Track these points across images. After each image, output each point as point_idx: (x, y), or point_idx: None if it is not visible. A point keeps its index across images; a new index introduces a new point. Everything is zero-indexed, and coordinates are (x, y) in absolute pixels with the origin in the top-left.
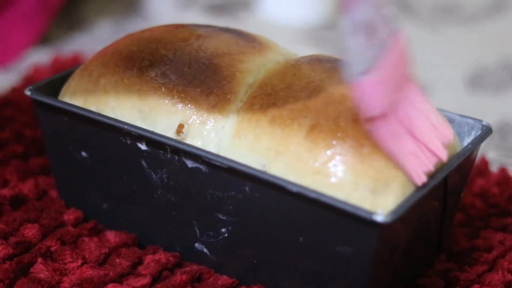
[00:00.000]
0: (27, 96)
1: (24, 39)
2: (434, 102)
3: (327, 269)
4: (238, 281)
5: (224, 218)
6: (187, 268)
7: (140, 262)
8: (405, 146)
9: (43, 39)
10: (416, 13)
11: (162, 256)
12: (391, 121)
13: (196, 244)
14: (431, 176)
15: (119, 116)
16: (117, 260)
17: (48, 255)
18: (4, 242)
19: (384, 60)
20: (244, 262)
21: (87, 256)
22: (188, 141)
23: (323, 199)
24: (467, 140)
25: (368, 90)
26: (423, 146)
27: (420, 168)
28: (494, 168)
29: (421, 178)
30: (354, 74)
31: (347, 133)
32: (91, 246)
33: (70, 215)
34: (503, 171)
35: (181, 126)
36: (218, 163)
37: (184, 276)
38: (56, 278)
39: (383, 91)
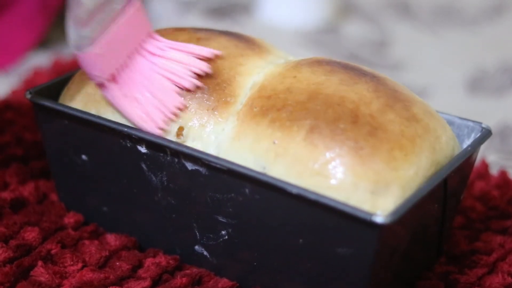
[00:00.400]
0: (27, 99)
1: (24, 42)
2: (434, 105)
3: (327, 271)
4: (238, 284)
5: (224, 221)
6: (187, 271)
7: (140, 265)
8: (135, 107)
9: (43, 42)
10: (416, 16)
11: (162, 259)
12: (118, 85)
13: (196, 247)
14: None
15: (119, 119)
16: (118, 263)
17: (48, 258)
18: (4, 245)
19: (107, 32)
20: (244, 265)
21: (87, 259)
22: (188, 143)
23: (323, 200)
24: (467, 143)
25: (89, 62)
26: (156, 103)
27: (151, 126)
28: (494, 171)
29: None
30: (75, 47)
31: (346, 134)
32: (91, 249)
33: (70, 218)
34: (503, 174)
35: (181, 129)
36: (218, 166)
37: (184, 279)
38: (57, 281)
39: (104, 61)
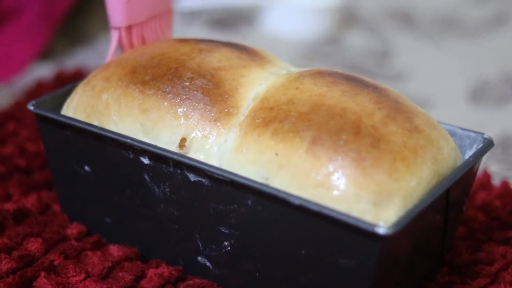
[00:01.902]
0: (30, 110)
1: (26, 53)
2: (435, 115)
3: (330, 282)
4: None
5: (227, 232)
6: (190, 282)
7: (143, 276)
8: None
9: (46, 54)
10: (417, 27)
11: (165, 270)
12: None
13: (199, 258)
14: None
15: (121, 130)
16: (120, 274)
17: (51, 269)
18: (7, 256)
19: None
20: (246, 276)
21: (90, 270)
22: (191, 155)
23: (325, 211)
24: (469, 153)
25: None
26: None
27: None
28: (496, 181)
29: None
30: None
31: (348, 146)
32: (94, 260)
33: (73, 229)
34: (505, 184)
35: (183, 140)
36: (220, 177)
37: None
38: None
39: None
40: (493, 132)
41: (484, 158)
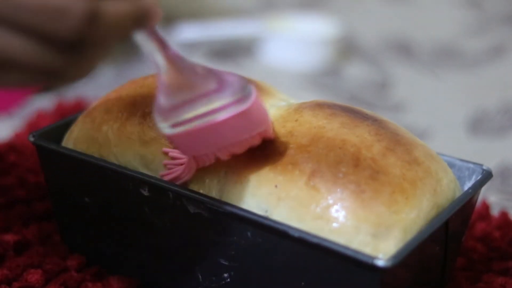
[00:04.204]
0: (30, 142)
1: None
2: (434, 146)
3: None
4: None
5: (226, 263)
6: None
7: None
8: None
9: (46, 85)
10: (416, 58)
11: None
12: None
13: None
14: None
15: (121, 162)
16: None
17: None
18: (7, 287)
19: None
20: None
21: None
22: (190, 187)
23: (325, 244)
24: (468, 185)
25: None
26: None
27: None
28: (495, 211)
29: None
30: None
31: (348, 178)
32: None
33: (73, 260)
34: (504, 214)
35: None
36: (220, 209)
37: None
38: None
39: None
40: (492, 163)
41: (483, 189)
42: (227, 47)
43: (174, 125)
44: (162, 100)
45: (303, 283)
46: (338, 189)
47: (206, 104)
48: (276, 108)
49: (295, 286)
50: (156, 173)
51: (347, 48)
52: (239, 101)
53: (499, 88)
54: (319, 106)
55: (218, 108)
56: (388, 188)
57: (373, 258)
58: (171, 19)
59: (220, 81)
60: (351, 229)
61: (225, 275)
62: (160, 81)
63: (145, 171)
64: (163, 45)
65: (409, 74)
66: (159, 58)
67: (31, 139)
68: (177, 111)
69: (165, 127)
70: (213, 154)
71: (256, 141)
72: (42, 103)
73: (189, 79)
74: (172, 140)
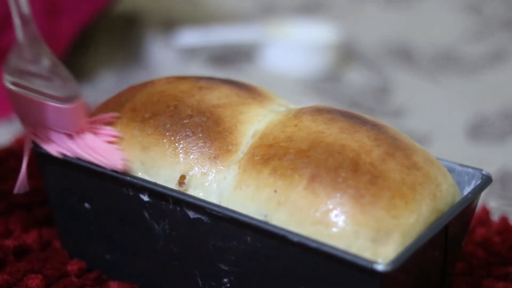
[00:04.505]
0: (30, 148)
1: None
2: (434, 151)
3: None
4: None
5: (226, 269)
6: None
7: None
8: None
9: None
10: (417, 63)
11: None
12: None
13: None
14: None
15: None
16: None
17: None
18: None
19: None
20: None
21: None
22: (190, 192)
23: (324, 249)
24: (468, 190)
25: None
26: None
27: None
28: (495, 217)
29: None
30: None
31: (347, 183)
32: None
33: (73, 266)
34: (504, 220)
35: (183, 177)
36: (220, 214)
37: None
38: None
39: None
40: (492, 168)
41: (483, 194)
42: (227, 53)
43: (14, 83)
44: (13, 59)
45: None
46: (338, 194)
47: (44, 86)
48: (276, 114)
49: None
50: (156, 179)
51: (347, 54)
52: (63, 100)
53: (499, 93)
54: (318, 111)
55: (48, 94)
56: (388, 193)
57: (373, 262)
58: (171, 24)
59: (56, 77)
60: (351, 233)
61: (225, 280)
62: (16, 43)
63: (145, 176)
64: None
65: (409, 80)
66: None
67: (31, 145)
68: (21, 75)
69: (7, 81)
70: (30, 127)
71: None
72: None
73: (39, 58)
74: (8, 95)
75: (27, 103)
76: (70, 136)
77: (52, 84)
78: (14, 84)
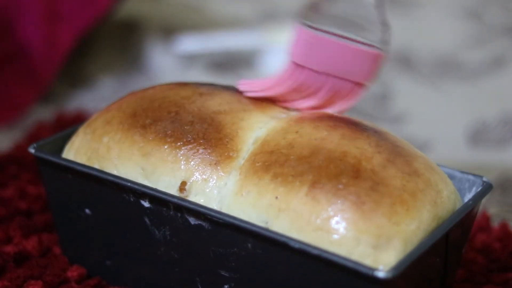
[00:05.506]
0: (31, 153)
1: (27, 96)
2: (435, 158)
3: None
4: None
5: (227, 275)
6: None
7: None
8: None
9: (46, 96)
10: (417, 69)
11: None
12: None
13: None
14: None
15: (122, 173)
16: None
17: None
18: None
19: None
20: None
21: None
22: (191, 198)
23: (325, 255)
24: (468, 196)
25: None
26: None
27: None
28: (495, 223)
29: None
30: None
31: (348, 189)
32: None
33: (73, 272)
34: (504, 226)
35: (183, 184)
36: (220, 220)
37: None
38: None
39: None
40: (492, 174)
41: (483, 200)
42: (227, 59)
43: (310, 26)
44: (318, 4)
45: None
46: (339, 201)
47: (350, 33)
48: (277, 120)
49: None
50: (157, 185)
51: None
52: (375, 47)
53: (499, 100)
54: (319, 118)
55: (355, 39)
56: (389, 199)
57: (374, 269)
58: (171, 31)
59: (381, 28)
60: (352, 240)
61: (226, 286)
62: None
63: (145, 182)
64: None
65: (410, 86)
66: None
67: (32, 150)
68: (323, 19)
69: (302, 21)
70: (317, 77)
71: (345, 94)
72: (43, 114)
73: (355, 4)
74: (298, 37)
75: (327, 47)
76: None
77: (361, 31)
78: (310, 26)
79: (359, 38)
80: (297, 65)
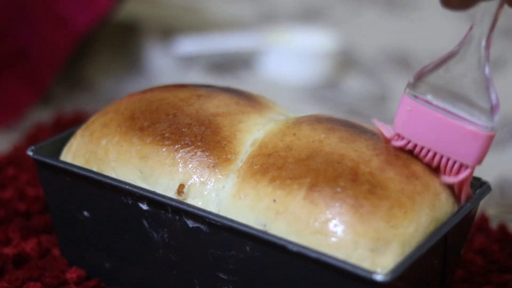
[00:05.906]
0: (29, 155)
1: (26, 98)
2: None
3: None
4: None
5: (225, 278)
6: None
7: None
8: None
9: (45, 98)
10: (415, 70)
11: None
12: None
13: None
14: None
15: (120, 176)
16: None
17: None
18: None
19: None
20: None
21: None
22: (189, 201)
23: (323, 258)
24: None
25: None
26: None
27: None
28: (494, 224)
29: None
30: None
31: (346, 193)
32: None
33: (72, 274)
34: (503, 227)
35: (181, 186)
36: (218, 223)
37: None
38: None
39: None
40: (491, 176)
41: (482, 202)
42: (226, 61)
43: (416, 96)
44: (429, 70)
45: None
46: (337, 204)
47: (457, 108)
48: (275, 122)
49: None
50: (155, 187)
51: (346, 61)
52: (484, 128)
53: None
54: (317, 120)
55: (464, 117)
56: (387, 202)
57: (372, 272)
58: (170, 32)
59: (492, 106)
60: (350, 243)
61: None
62: (444, 56)
63: (143, 185)
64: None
65: None
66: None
67: (30, 153)
68: (430, 90)
69: (408, 90)
70: (415, 148)
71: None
72: (41, 116)
73: (465, 76)
74: (403, 106)
75: (430, 121)
76: None
77: (469, 107)
78: (416, 96)
79: (466, 115)
80: (398, 135)
